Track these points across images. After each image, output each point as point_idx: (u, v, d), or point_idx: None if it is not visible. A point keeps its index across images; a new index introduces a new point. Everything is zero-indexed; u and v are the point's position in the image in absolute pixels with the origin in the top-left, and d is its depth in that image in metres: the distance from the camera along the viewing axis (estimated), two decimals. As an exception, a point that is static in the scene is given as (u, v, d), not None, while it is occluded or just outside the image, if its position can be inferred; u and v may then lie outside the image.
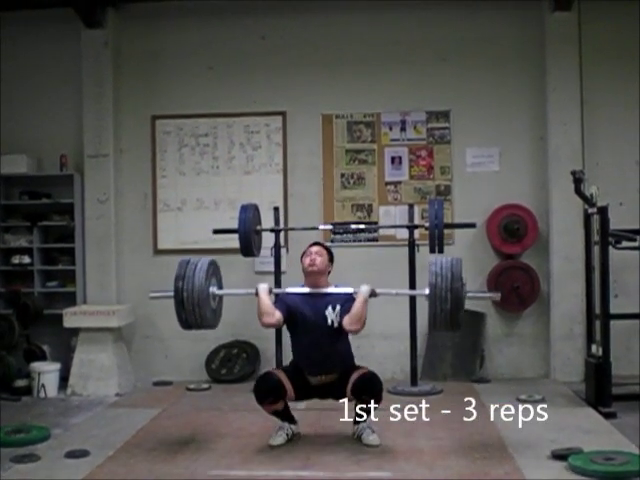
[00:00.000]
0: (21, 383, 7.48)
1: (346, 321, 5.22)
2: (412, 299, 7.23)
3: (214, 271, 5.43)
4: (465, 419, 6.15)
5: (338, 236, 7.99)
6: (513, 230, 7.74)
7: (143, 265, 8.19)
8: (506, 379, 7.69)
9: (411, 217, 7.39)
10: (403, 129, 8.05)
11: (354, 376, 5.36)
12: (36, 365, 7.52)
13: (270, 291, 5.41)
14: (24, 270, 8.17)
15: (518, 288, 7.72)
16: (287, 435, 5.47)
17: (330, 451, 5.36)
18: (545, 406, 6.51)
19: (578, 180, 6.64)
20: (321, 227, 7.78)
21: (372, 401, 5.37)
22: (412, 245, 7.26)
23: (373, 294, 5.36)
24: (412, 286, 7.23)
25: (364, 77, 8.02)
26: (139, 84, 8.24)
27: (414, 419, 6.20)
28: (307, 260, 5.45)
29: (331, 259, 5.58)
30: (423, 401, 6.77)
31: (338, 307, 5.34)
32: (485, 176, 7.95)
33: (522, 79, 7.94)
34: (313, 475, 4.87)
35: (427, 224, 7.17)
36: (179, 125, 8.17)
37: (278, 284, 7.22)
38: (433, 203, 7.14)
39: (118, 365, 7.55)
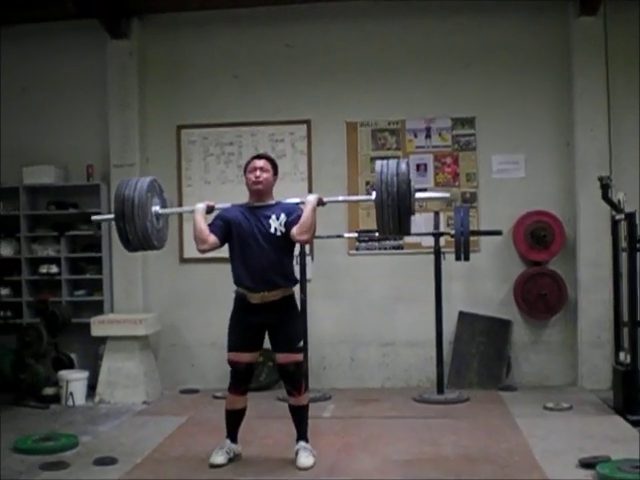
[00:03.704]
0: (49, 391, 7.52)
1: (295, 231, 4.99)
2: (438, 307, 7.21)
3: (154, 191, 5.17)
4: (492, 427, 6.14)
5: (363, 244, 7.99)
6: (540, 237, 7.69)
7: (169, 274, 8.23)
8: (533, 387, 7.63)
9: (436, 224, 7.40)
10: (428, 136, 8.03)
11: (280, 358, 5.20)
12: (64, 373, 7.56)
13: (212, 209, 5.23)
14: (52, 279, 8.23)
15: (545, 295, 7.67)
16: (228, 454, 5.29)
17: (356, 459, 5.37)
18: (572, 414, 6.49)
19: (605, 186, 6.61)
20: (346, 235, 7.78)
21: (293, 396, 5.25)
22: (438, 253, 7.25)
23: (321, 202, 5.11)
24: (438, 294, 7.23)
25: (388, 84, 8.00)
26: (164, 94, 8.28)
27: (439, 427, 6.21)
28: (252, 177, 5.19)
29: (276, 172, 5.33)
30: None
31: (283, 215, 5.11)
32: (511, 183, 7.90)
33: (548, 85, 7.89)
34: (339, 483, 4.88)
35: (453, 231, 7.16)
36: (204, 134, 8.21)
37: (304, 293, 7.23)
38: (459, 210, 7.13)
39: (145, 373, 7.57)
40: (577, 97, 7.69)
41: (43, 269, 8.25)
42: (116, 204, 4.99)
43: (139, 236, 4.98)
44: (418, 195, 4.99)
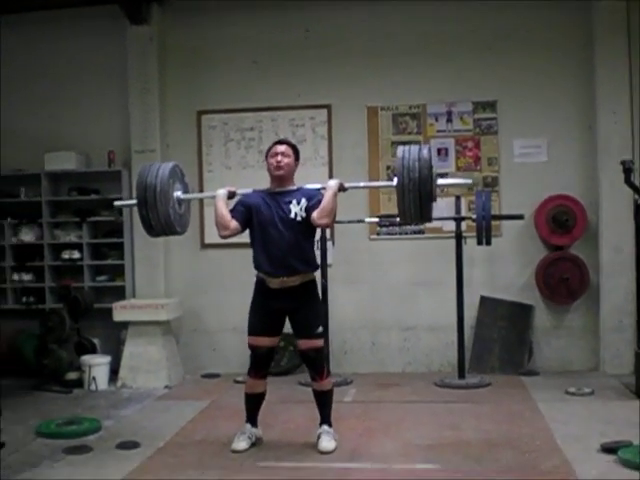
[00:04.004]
0: (72, 376, 7.58)
1: (315, 215, 4.99)
2: (459, 292, 7.20)
3: (175, 177, 5.17)
4: (513, 412, 6.13)
5: (384, 229, 7.97)
6: (562, 221, 7.64)
7: (190, 259, 8.26)
8: (555, 372, 7.61)
9: (458, 209, 7.37)
10: (449, 120, 7.99)
11: (300, 344, 5.24)
12: (87, 358, 7.62)
13: (234, 194, 5.25)
14: (74, 265, 8.29)
15: (567, 280, 7.63)
16: (250, 439, 5.32)
17: (377, 443, 5.38)
18: (594, 399, 6.47)
19: (628, 170, 6.54)
20: (367, 220, 7.77)
21: (316, 380, 5.27)
22: (459, 237, 7.23)
23: (342, 188, 5.08)
24: (460, 278, 7.22)
25: (409, 68, 7.96)
26: (184, 79, 8.28)
27: (460, 411, 6.21)
28: (273, 162, 5.19)
29: (297, 157, 5.33)
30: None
31: (303, 200, 5.11)
32: (533, 167, 7.85)
33: (570, 68, 7.82)
34: (361, 467, 4.90)
35: (474, 216, 7.14)
36: (224, 120, 8.21)
37: (325, 278, 7.23)
38: (480, 195, 7.10)
39: (167, 358, 7.61)
40: (599, 80, 7.62)
41: (65, 255, 8.30)
42: (138, 191, 5.01)
43: (162, 222, 5.02)
44: (440, 181, 4.98)
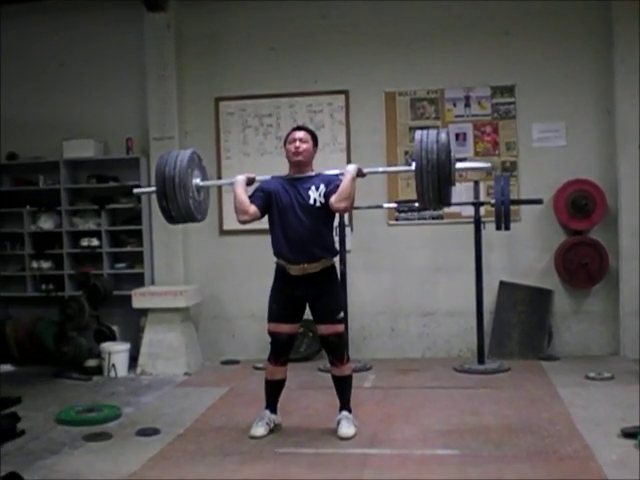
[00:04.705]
0: (92, 363, 7.62)
1: (333, 199, 4.97)
2: (479, 277, 7.18)
3: (194, 164, 5.15)
4: (533, 397, 6.12)
5: (403, 214, 7.95)
6: (581, 206, 7.60)
7: (209, 246, 8.27)
8: (575, 356, 7.58)
9: (476, 194, 7.34)
10: (467, 105, 7.95)
11: (322, 329, 5.22)
12: (106, 345, 7.65)
13: (253, 181, 5.24)
14: (93, 252, 8.31)
15: (587, 264, 7.59)
16: (268, 425, 5.31)
17: (397, 429, 5.38)
18: (614, 383, 6.44)
19: (647, 154, 6.51)
20: (386, 205, 7.75)
21: (336, 366, 5.26)
22: (478, 222, 7.21)
23: (360, 174, 5.06)
24: (479, 263, 7.20)
25: (427, 53, 7.92)
26: (202, 66, 8.27)
27: (480, 397, 6.19)
28: (292, 148, 5.19)
29: (316, 144, 5.32)
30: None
31: (322, 186, 5.10)
32: (552, 151, 7.81)
33: (588, 51, 7.75)
34: (380, 452, 4.89)
35: (493, 201, 7.11)
36: (242, 106, 8.20)
37: (343, 264, 7.23)
38: (499, 179, 7.07)
39: (186, 345, 7.63)
40: (618, 64, 7.55)
41: (84, 242, 8.33)
42: (157, 183, 5.01)
43: (182, 212, 5.04)
44: (458, 165, 4.95)
